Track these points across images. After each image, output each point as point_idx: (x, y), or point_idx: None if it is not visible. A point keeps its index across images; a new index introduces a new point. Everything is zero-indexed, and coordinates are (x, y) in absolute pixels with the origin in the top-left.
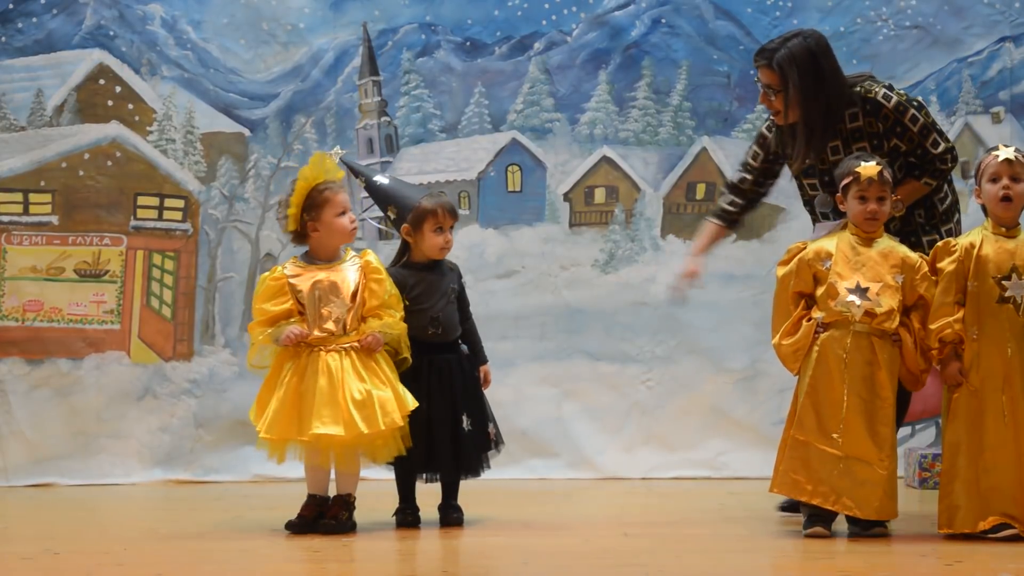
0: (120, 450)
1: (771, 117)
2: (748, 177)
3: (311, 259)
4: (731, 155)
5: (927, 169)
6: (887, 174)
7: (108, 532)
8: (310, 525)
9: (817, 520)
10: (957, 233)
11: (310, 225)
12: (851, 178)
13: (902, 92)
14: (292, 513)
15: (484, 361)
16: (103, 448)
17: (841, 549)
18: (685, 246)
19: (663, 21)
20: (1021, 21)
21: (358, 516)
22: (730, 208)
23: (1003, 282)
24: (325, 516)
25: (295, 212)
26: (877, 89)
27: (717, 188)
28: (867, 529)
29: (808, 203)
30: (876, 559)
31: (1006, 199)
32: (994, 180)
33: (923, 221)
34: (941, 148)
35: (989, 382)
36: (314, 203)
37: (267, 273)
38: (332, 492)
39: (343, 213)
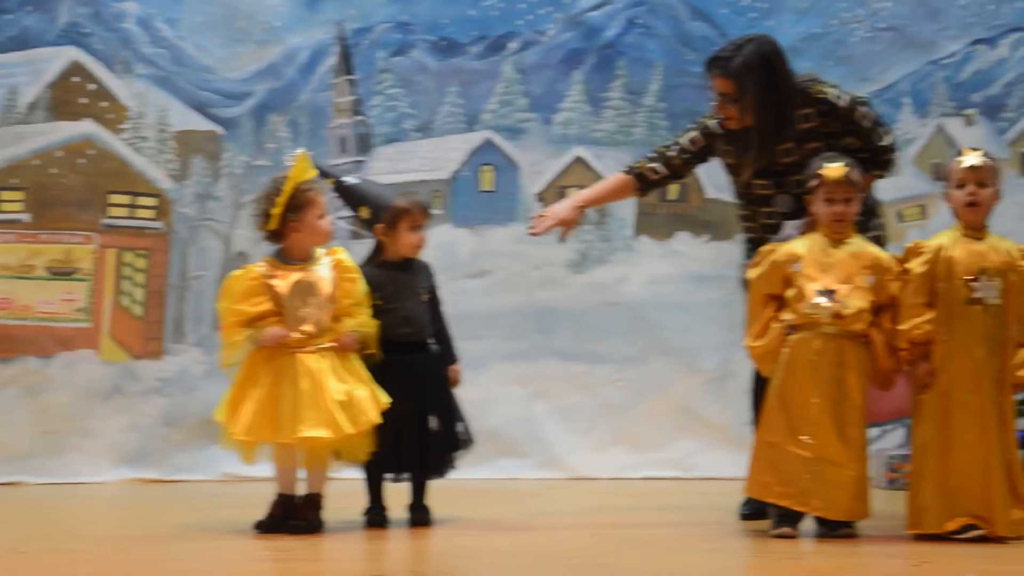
0: (89, 449)
1: (721, 120)
2: (678, 157)
3: (285, 259)
4: None
5: (877, 162)
6: (854, 175)
7: (76, 531)
8: (279, 525)
9: (784, 520)
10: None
11: (291, 225)
12: (817, 181)
13: (846, 91)
14: (261, 512)
15: (455, 360)
16: (72, 447)
17: (808, 549)
18: (657, 246)
19: (638, 22)
20: (995, 24)
21: (327, 516)
22: (652, 175)
23: (972, 283)
24: (294, 516)
25: (279, 211)
26: (827, 89)
27: (690, 188)
28: (834, 530)
29: (752, 205)
30: (843, 560)
31: (972, 204)
32: (960, 186)
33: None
34: (887, 141)
35: (958, 383)
36: (298, 203)
37: (239, 272)
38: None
39: (323, 215)
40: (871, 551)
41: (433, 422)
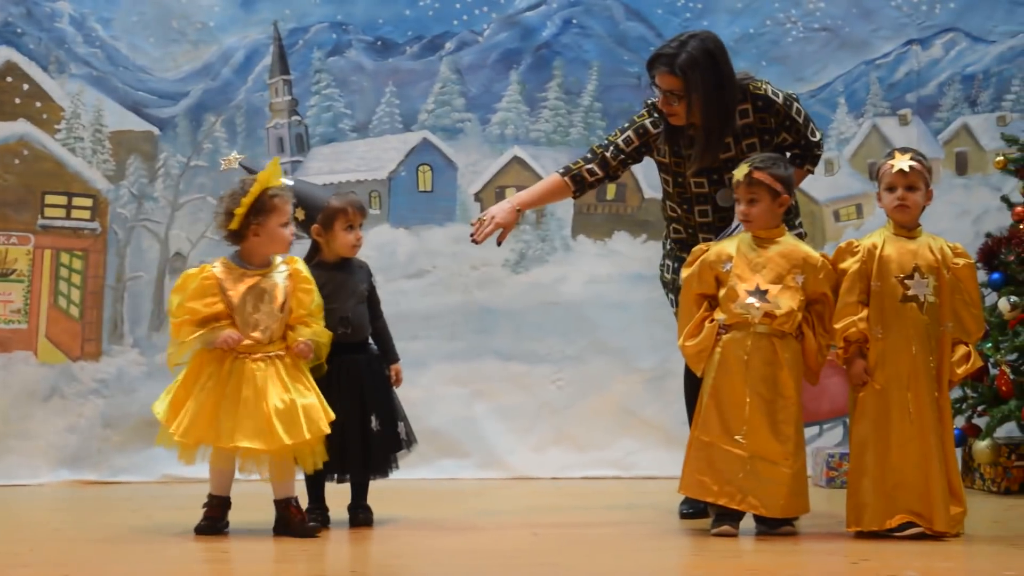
0: (27, 450)
1: (660, 117)
2: (614, 158)
3: (242, 263)
4: None
5: (808, 157)
6: (759, 175)
7: (15, 534)
8: (217, 527)
9: (724, 519)
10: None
11: (252, 229)
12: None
13: (779, 88)
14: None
15: (395, 360)
16: (10, 449)
17: (748, 548)
18: (595, 246)
19: (574, 22)
20: (928, 24)
21: (266, 517)
22: (589, 176)
23: (906, 281)
24: (291, 522)
25: (242, 212)
26: (764, 86)
27: (628, 188)
28: (774, 528)
29: (686, 203)
30: (783, 558)
31: (901, 207)
32: (890, 189)
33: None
34: (818, 137)
35: (894, 381)
36: (262, 207)
37: (194, 270)
38: (229, 493)
39: (287, 224)
40: (810, 549)
41: (375, 423)
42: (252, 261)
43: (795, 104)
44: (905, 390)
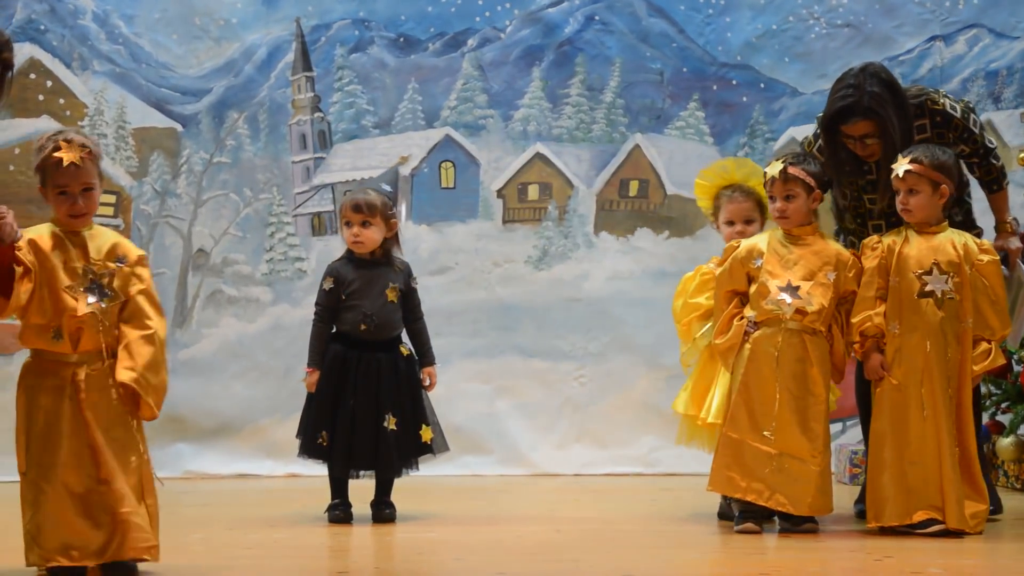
0: None
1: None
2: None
3: None
4: (664, 152)
5: (988, 165)
6: (794, 171)
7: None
8: None
9: (748, 516)
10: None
11: None
12: (765, 177)
13: (956, 98)
14: (224, 509)
15: (430, 363)
16: None
17: (771, 545)
18: (618, 243)
19: (596, 18)
20: (951, 20)
21: (291, 511)
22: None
23: (923, 277)
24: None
25: None
26: (941, 100)
27: (650, 185)
28: (797, 525)
29: (860, 218)
30: (806, 555)
31: (905, 212)
32: (896, 193)
33: (961, 220)
34: (993, 144)
35: (911, 376)
36: None
37: (689, 274)
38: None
39: None
40: (833, 546)
41: (391, 422)
42: None
43: (971, 115)
44: (919, 386)
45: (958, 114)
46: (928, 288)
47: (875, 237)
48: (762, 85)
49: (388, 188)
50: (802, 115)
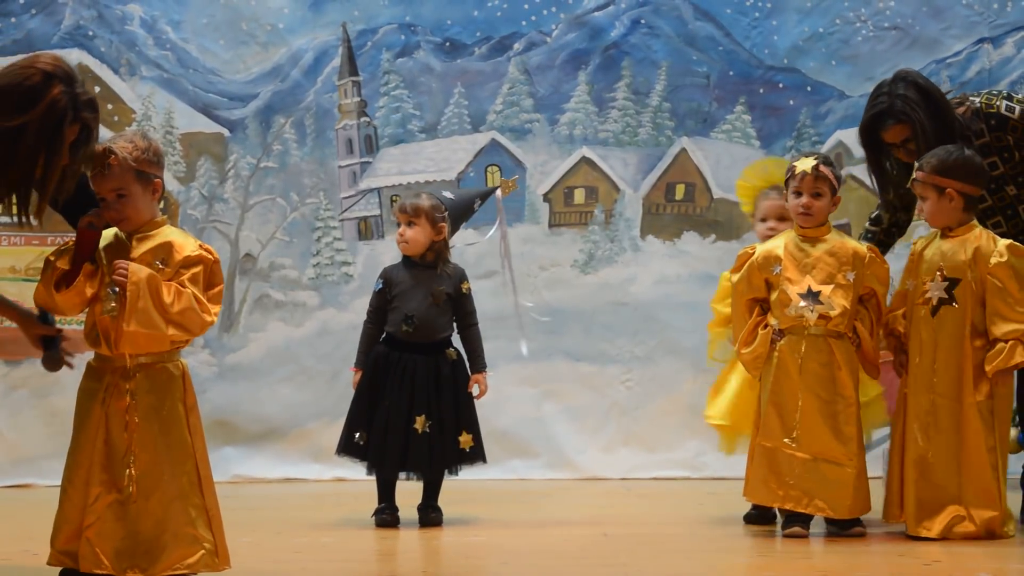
0: None
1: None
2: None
3: None
4: (710, 155)
5: None
6: (824, 170)
7: None
8: None
9: (795, 520)
10: None
11: None
12: (789, 173)
13: (1013, 98)
14: (271, 513)
15: (480, 369)
16: None
17: (819, 549)
18: (664, 247)
19: (643, 22)
20: (999, 22)
21: (338, 515)
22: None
23: (928, 283)
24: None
25: None
26: (996, 103)
27: (697, 188)
28: (845, 528)
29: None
30: (854, 559)
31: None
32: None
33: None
34: None
35: (908, 382)
36: None
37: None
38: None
39: None
40: (880, 550)
41: (423, 424)
42: None
43: None
44: (918, 394)
45: (1015, 116)
46: (928, 295)
47: (920, 238)
48: (809, 88)
49: (448, 195)
50: (849, 118)
